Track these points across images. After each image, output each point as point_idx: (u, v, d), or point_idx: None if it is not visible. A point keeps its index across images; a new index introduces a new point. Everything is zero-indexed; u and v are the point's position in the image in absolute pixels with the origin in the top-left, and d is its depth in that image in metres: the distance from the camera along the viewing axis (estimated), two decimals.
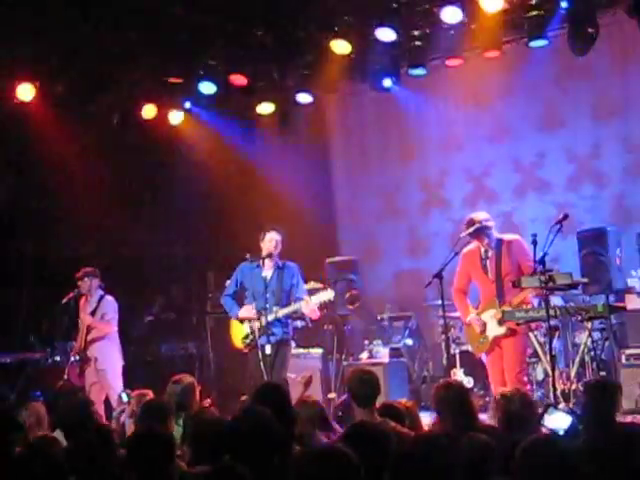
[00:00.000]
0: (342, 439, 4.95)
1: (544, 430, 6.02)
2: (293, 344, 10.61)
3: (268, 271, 10.05)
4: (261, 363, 9.72)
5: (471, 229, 9.43)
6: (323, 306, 10.19)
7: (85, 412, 6.73)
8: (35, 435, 6.68)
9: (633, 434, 4.47)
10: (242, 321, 10.09)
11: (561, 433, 5.96)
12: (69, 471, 5.14)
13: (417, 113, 14.62)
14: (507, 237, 9.55)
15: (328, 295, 9.81)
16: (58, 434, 6.77)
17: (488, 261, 9.45)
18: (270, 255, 9.96)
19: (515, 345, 9.35)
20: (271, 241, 9.99)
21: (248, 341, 9.97)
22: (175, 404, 7.32)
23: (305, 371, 11.74)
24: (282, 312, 9.88)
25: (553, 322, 9.50)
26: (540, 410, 6.46)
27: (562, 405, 9.49)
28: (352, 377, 6.58)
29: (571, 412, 6.68)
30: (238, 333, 10.16)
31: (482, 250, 9.49)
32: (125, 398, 7.93)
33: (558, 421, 6.14)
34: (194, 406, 7.62)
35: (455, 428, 5.82)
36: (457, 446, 4.87)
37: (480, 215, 9.58)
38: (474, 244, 9.58)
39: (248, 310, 10.00)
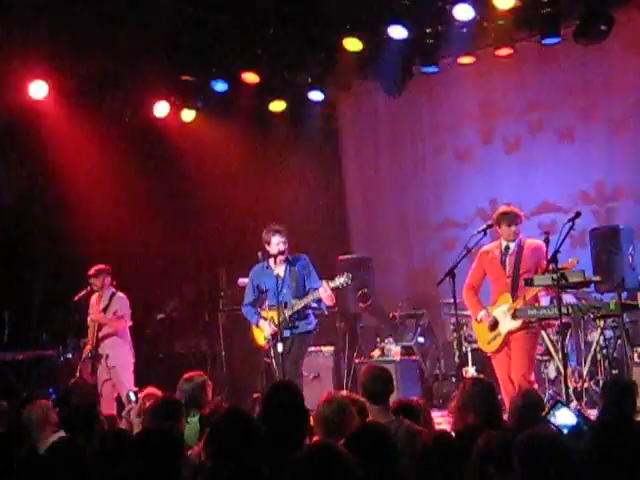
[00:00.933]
0: (347, 440, 4.92)
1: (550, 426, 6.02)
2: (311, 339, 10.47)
3: (280, 268, 10.05)
4: (273, 361, 9.74)
5: (484, 226, 9.44)
6: (336, 304, 10.16)
7: (90, 415, 6.71)
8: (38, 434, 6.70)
9: None
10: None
11: (565, 431, 5.95)
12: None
13: (429, 111, 14.62)
14: (530, 240, 9.49)
15: (345, 279, 9.80)
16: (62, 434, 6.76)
17: (508, 256, 9.41)
18: (282, 253, 9.98)
19: (524, 345, 9.28)
20: (278, 244, 10.00)
21: (270, 338, 9.96)
22: (187, 401, 7.32)
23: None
24: (300, 304, 9.90)
25: (565, 320, 9.47)
26: (548, 406, 6.46)
27: (573, 404, 9.50)
28: (365, 374, 6.57)
29: (579, 413, 6.67)
30: (260, 332, 10.17)
31: (503, 245, 9.46)
32: (133, 397, 7.92)
33: (564, 418, 6.14)
34: (206, 403, 7.62)
35: (481, 424, 5.82)
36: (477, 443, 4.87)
37: (501, 209, 9.55)
38: (495, 243, 9.57)
39: (265, 326, 10.01)
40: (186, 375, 7.80)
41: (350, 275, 9.86)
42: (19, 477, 5.21)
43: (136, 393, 7.92)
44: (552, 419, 6.13)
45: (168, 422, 6.32)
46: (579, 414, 6.66)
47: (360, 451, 4.55)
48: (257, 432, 5.14)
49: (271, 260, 10.06)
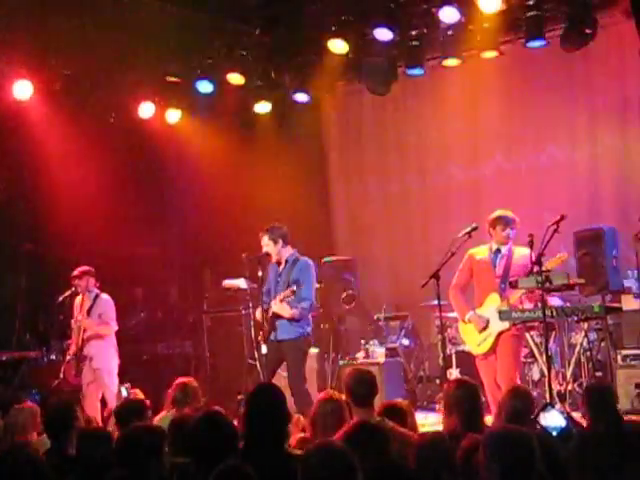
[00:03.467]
0: (342, 438, 4.95)
1: (538, 427, 6.04)
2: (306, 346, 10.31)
3: (282, 266, 10.07)
4: (257, 363, 9.73)
5: (468, 228, 9.45)
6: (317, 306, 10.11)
7: (68, 416, 6.69)
8: (22, 437, 6.68)
9: None
10: None
11: (554, 433, 5.98)
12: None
13: (414, 113, 14.64)
14: (519, 248, 9.47)
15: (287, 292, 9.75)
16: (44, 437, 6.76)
17: (499, 259, 9.42)
18: (268, 255, 9.98)
19: (511, 347, 9.29)
20: (265, 245, 10.01)
21: (260, 337, 9.95)
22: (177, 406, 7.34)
23: None
24: (271, 310, 9.88)
25: (549, 322, 9.48)
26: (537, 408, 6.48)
27: (557, 406, 9.52)
28: (350, 376, 6.55)
29: (567, 416, 6.69)
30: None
31: (494, 247, 9.47)
32: (124, 393, 7.92)
33: (553, 420, 6.17)
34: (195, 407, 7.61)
35: (462, 427, 5.83)
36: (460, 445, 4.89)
37: (498, 213, 9.55)
38: (484, 245, 9.58)
39: (259, 313, 10.02)
40: (178, 381, 7.79)
41: (295, 290, 9.68)
42: None
43: (127, 388, 7.93)
44: (541, 421, 6.15)
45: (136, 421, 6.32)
46: (568, 416, 6.69)
47: (359, 446, 4.60)
48: (232, 436, 5.18)
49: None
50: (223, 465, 4.51)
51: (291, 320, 9.81)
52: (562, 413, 6.77)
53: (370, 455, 4.63)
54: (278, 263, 10.06)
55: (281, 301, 9.68)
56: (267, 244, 9.99)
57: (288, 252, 10.06)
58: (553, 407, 6.53)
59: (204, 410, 5.98)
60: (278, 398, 5.56)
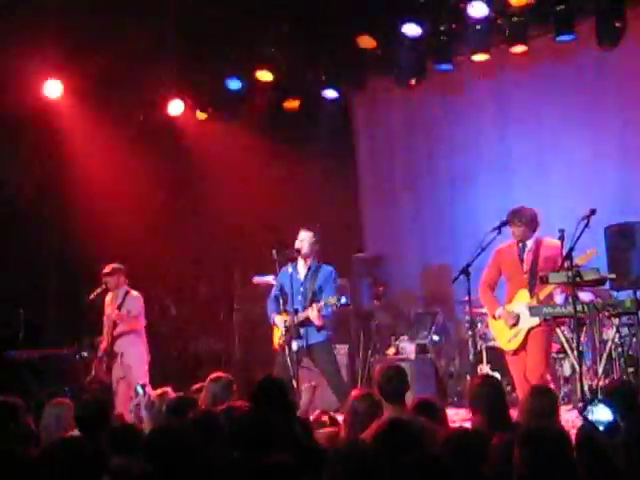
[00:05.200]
0: (375, 435, 4.95)
1: (585, 422, 5.99)
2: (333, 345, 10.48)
3: (302, 272, 10.07)
4: (287, 359, 9.73)
5: (498, 223, 9.39)
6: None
7: (102, 412, 6.71)
8: (59, 434, 6.69)
9: None
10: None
11: (601, 428, 5.93)
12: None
13: (443, 109, 14.60)
14: (547, 239, 9.43)
15: (333, 300, 9.75)
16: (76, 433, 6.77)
17: (525, 253, 9.37)
18: (298, 252, 9.98)
19: (541, 343, 9.22)
20: (301, 241, 10.02)
21: (281, 342, 9.97)
22: (212, 402, 7.32)
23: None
24: (301, 316, 9.89)
25: (580, 317, 9.42)
26: (583, 403, 6.43)
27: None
28: (380, 372, 6.55)
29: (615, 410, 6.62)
30: (276, 333, 10.18)
31: (520, 244, 9.42)
32: (140, 391, 7.91)
33: (601, 414, 6.11)
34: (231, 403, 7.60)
35: (488, 423, 5.81)
36: (489, 442, 4.88)
37: (513, 209, 9.49)
38: (511, 240, 9.52)
39: (280, 321, 10.01)
40: (212, 375, 7.80)
41: (339, 297, 9.76)
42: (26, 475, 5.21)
43: (143, 386, 7.91)
44: (589, 415, 6.10)
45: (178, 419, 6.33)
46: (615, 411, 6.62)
47: (393, 443, 4.60)
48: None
49: (300, 263, 10.08)
50: (266, 460, 4.51)
51: (319, 326, 9.88)
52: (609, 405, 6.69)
53: (404, 452, 4.62)
54: (292, 260, 10.04)
55: (319, 309, 9.72)
56: (307, 241, 10.00)
57: (313, 258, 10.10)
58: (600, 401, 6.45)
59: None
60: (282, 391, 5.59)
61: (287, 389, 5.73)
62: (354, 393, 6.42)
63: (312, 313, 9.76)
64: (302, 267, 10.09)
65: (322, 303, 9.69)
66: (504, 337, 9.42)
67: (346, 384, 9.93)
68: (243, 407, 6.08)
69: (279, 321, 10.01)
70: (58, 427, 6.98)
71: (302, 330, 9.85)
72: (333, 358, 10.23)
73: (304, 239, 10.04)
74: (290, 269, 10.06)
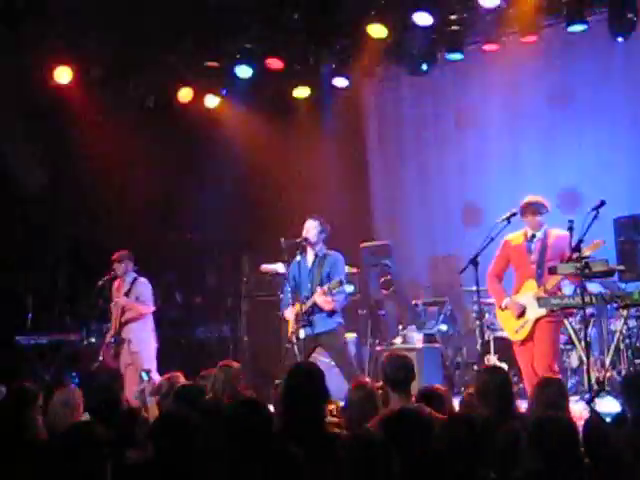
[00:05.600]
0: (382, 424, 4.95)
1: (592, 413, 6.01)
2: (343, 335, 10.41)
3: (310, 260, 10.07)
4: (295, 347, 9.73)
5: (507, 214, 9.36)
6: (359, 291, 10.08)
7: (112, 396, 6.73)
8: (64, 419, 6.71)
9: None
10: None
11: (608, 419, 5.94)
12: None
13: (453, 98, 14.58)
14: (556, 230, 9.40)
15: (334, 284, 9.70)
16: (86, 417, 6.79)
17: (534, 243, 9.35)
18: (306, 240, 9.98)
19: (549, 334, 9.21)
20: (306, 229, 10.02)
21: (291, 332, 9.96)
22: (221, 389, 7.34)
23: None
24: (308, 303, 9.88)
25: (588, 309, 9.41)
26: (591, 394, 6.43)
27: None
28: (387, 362, 6.55)
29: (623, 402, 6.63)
30: (289, 326, 10.19)
31: (529, 233, 9.40)
32: (145, 377, 7.93)
33: (608, 406, 6.12)
34: (237, 393, 7.61)
35: (494, 413, 5.81)
36: (494, 430, 4.88)
37: (527, 199, 9.46)
38: (520, 231, 9.50)
39: (290, 312, 10.02)
40: (222, 363, 7.80)
41: (341, 279, 9.72)
42: (37, 459, 5.22)
43: (148, 372, 7.94)
44: (596, 406, 6.11)
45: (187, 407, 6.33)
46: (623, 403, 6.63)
47: (398, 434, 4.59)
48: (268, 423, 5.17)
49: (309, 251, 10.09)
50: (274, 449, 4.51)
51: (329, 312, 9.84)
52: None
53: (411, 442, 4.63)
54: (303, 250, 10.03)
55: (324, 293, 9.70)
56: (314, 229, 10.00)
57: (321, 247, 10.09)
58: (608, 393, 6.46)
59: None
60: (315, 375, 5.56)
61: (316, 375, 5.67)
62: (351, 384, 6.42)
63: (319, 298, 9.76)
64: (310, 255, 10.09)
65: (326, 287, 9.69)
66: (511, 327, 9.41)
67: (358, 372, 9.93)
68: (247, 396, 6.08)
69: (289, 313, 10.02)
70: (66, 412, 7.01)
71: (311, 318, 9.85)
72: (345, 346, 10.24)
73: (310, 228, 10.03)
74: (299, 257, 10.07)
